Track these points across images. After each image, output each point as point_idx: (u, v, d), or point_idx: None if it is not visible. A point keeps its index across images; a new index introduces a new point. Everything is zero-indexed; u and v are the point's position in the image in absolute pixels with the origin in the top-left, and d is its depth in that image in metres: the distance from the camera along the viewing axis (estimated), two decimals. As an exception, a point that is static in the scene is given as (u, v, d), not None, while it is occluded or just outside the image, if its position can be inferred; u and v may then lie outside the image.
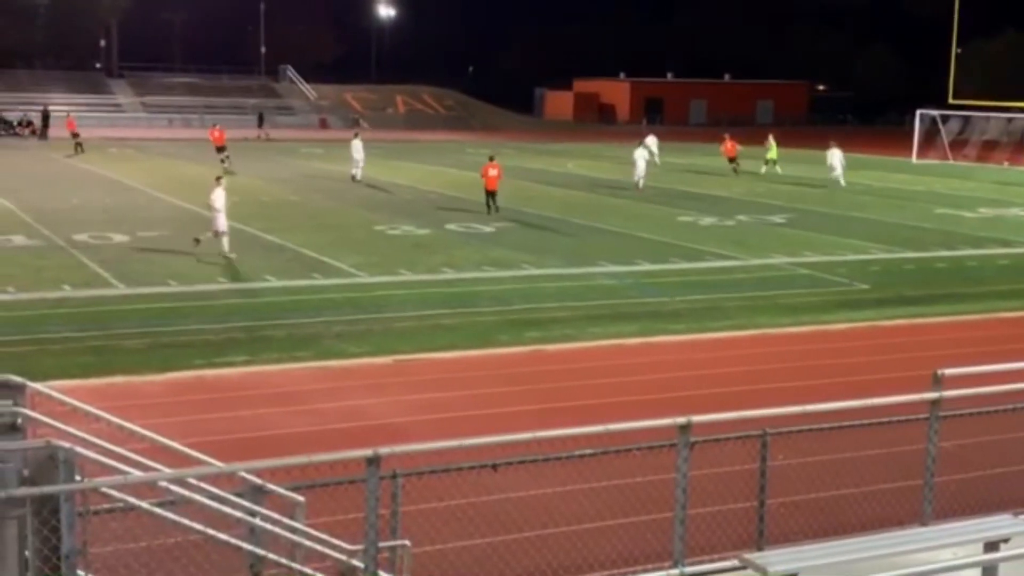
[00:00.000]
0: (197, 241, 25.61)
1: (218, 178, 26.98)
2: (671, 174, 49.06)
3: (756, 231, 31.67)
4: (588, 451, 8.36)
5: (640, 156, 43.11)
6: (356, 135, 45.74)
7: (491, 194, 34.62)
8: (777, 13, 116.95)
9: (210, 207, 25.72)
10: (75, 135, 55.45)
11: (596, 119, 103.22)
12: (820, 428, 9.16)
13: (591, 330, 19.26)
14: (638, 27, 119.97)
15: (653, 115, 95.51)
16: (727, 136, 51.35)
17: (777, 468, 8.98)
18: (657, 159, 50.37)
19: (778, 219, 34.73)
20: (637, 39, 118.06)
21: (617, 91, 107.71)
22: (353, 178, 43.13)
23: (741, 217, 34.92)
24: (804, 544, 8.37)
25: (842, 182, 44.88)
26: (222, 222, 25.47)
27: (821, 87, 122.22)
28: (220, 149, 48.31)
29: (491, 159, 35.62)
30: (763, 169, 50.26)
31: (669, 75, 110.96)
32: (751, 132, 67.82)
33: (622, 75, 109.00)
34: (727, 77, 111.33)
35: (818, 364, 17.22)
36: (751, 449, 8.70)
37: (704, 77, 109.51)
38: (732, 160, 50.10)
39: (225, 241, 25.48)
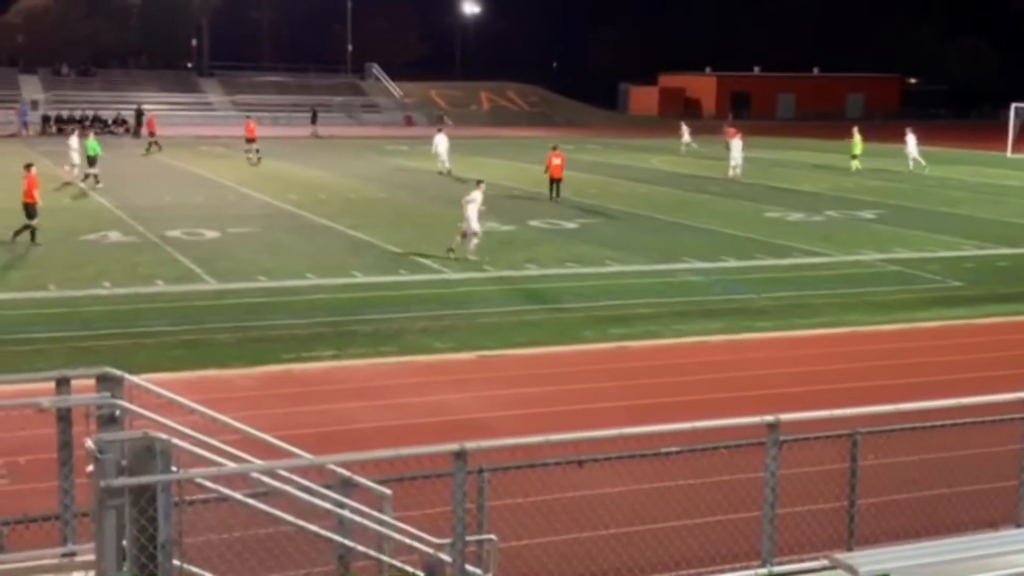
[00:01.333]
0: (451, 251, 25.00)
1: (478, 182, 26.51)
2: (758, 169, 48.49)
3: (845, 227, 31.17)
4: (675, 449, 8.31)
5: (736, 146, 44.97)
6: (439, 130, 47.35)
7: (555, 182, 36.80)
8: (867, 4, 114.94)
9: (463, 213, 25.14)
10: (152, 134, 57.05)
11: (681, 114, 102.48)
12: (912, 428, 9.00)
13: (676, 327, 19.14)
14: (724, 21, 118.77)
15: (740, 110, 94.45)
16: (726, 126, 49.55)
17: (867, 468, 8.83)
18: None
19: (868, 215, 34.15)
20: (723, 33, 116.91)
21: (703, 86, 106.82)
22: (440, 172, 43.98)
23: (830, 213, 34.41)
24: (895, 545, 8.23)
25: (922, 162, 47.93)
26: (474, 224, 24.96)
27: (913, 80, 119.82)
28: (250, 141, 50.21)
29: (554, 148, 37.78)
30: (852, 165, 49.45)
31: (756, 69, 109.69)
32: (842, 126, 66.67)
33: (708, 69, 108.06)
34: (816, 71, 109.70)
35: (910, 362, 16.90)
36: (841, 449, 8.58)
37: (792, 71, 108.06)
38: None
39: (474, 243, 25.04)
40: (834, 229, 30.88)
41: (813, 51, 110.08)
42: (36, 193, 26.81)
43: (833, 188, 41.97)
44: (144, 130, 61.15)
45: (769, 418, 7.77)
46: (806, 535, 8.91)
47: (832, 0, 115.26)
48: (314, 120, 72.99)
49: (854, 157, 49.54)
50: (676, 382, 15.71)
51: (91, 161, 38.34)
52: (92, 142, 39.47)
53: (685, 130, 60.59)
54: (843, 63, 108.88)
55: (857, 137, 49.70)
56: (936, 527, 9.41)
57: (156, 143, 55.72)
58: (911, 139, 48.95)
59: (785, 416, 7.81)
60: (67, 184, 38.19)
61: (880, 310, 20.80)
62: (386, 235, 28.57)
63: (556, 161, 36.72)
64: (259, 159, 49.24)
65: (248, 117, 55.72)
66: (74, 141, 39.93)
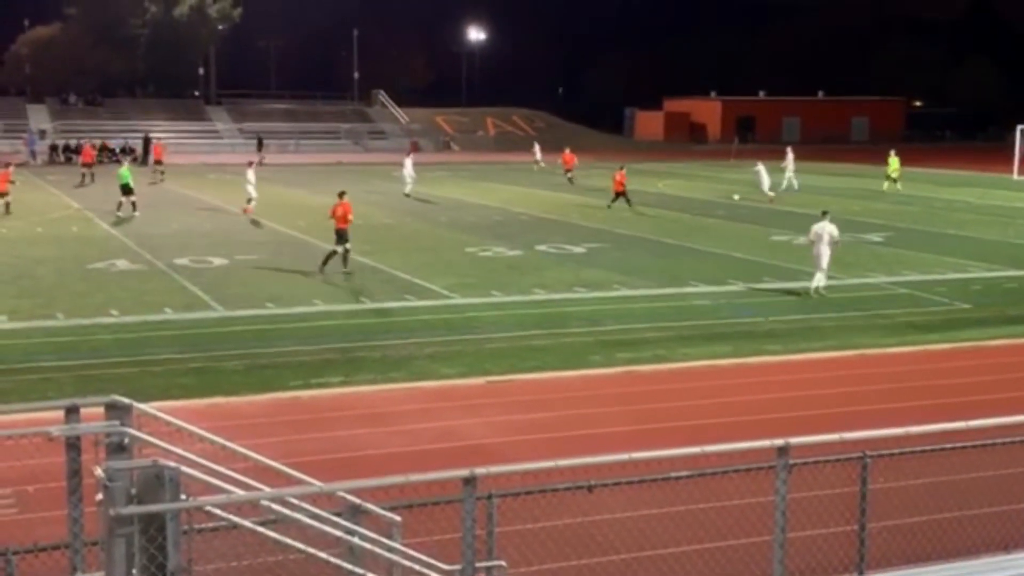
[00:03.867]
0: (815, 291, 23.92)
1: (824, 212, 24.75)
2: (763, 193, 48.47)
3: (852, 250, 31.16)
4: (684, 473, 8.29)
5: (762, 168, 46.61)
6: (408, 154, 50.13)
7: (621, 195, 41.34)
8: (870, 28, 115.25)
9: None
10: (159, 162, 57.97)
11: (687, 138, 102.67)
12: (922, 450, 8.97)
13: (684, 351, 19.12)
14: (729, 45, 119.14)
15: (745, 133, 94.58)
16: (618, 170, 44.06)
17: (878, 491, 8.80)
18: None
19: (875, 237, 34.14)
20: (728, 57, 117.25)
21: (708, 110, 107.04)
22: (405, 195, 45.81)
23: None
24: (906, 568, 8.20)
25: (795, 185, 49.78)
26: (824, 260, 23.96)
27: (917, 103, 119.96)
28: (86, 166, 53.50)
29: (621, 168, 42.71)
30: (885, 186, 49.73)
31: (761, 93, 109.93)
32: (847, 150, 66.74)
33: (713, 94, 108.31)
34: (820, 94, 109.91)
35: (919, 385, 16.86)
36: (851, 472, 8.55)
37: (797, 95, 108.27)
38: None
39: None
40: (842, 252, 30.81)
41: (818, 75, 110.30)
42: (351, 218, 27.09)
43: (840, 211, 41.85)
44: (151, 158, 61.69)
45: (779, 442, 7.74)
46: (817, 559, 8.87)
47: (836, 23, 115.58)
48: (260, 147, 73.70)
49: (889, 179, 49.88)
50: (684, 406, 15.68)
51: (125, 190, 38.70)
52: (125, 171, 39.94)
53: (537, 148, 67.14)
54: (848, 86, 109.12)
55: (894, 159, 50.09)
56: (948, 550, 9.36)
57: (162, 171, 56.07)
58: (790, 158, 51.27)
59: (795, 440, 7.78)
60: (254, 223, 37.21)
61: (889, 333, 20.77)
62: (393, 261, 28.61)
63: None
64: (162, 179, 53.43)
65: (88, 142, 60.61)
66: (251, 175, 40.14)
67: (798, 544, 8.67)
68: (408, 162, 47.89)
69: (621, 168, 42.58)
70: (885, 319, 22.00)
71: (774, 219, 39.24)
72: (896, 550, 9.39)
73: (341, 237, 26.78)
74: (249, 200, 38.52)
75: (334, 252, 26.77)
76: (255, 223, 36.92)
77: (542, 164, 64.43)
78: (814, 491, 8.83)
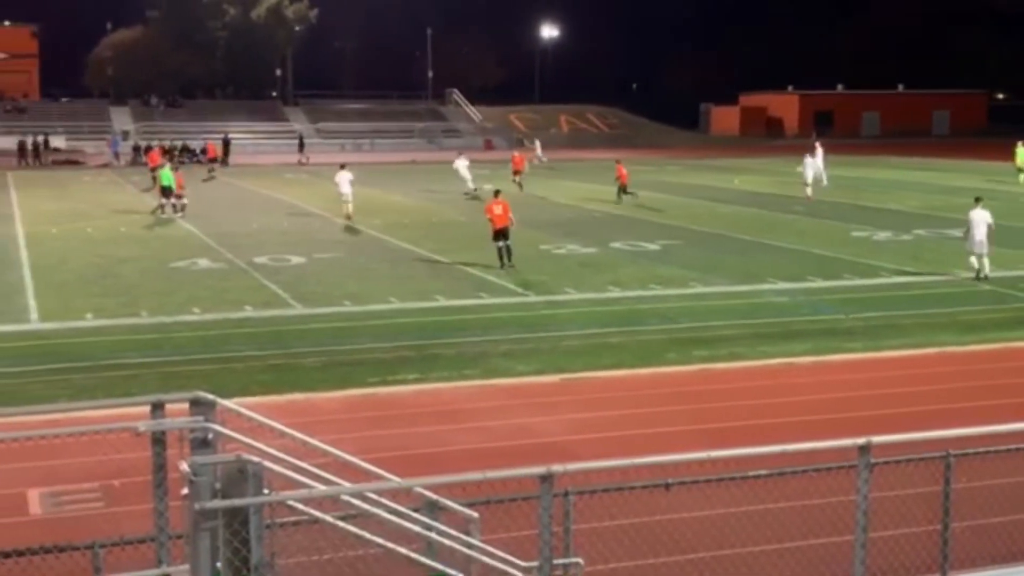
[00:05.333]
0: None
1: None
2: (844, 188, 47.88)
3: (934, 245, 30.61)
4: (763, 472, 8.22)
5: (809, 165, 45.34)
6: (459, 154, 50.18)
7: (622, 188, 42.47)
8: (952, 18, 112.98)
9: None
10: (212, 160, 59.32)
11: (763, 133, 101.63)
12: (1007, 449, 8.80)
13: (761, 348, 18.94)
14: (806, 39, 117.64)
15: (823, 128, 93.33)
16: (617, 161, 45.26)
17: (961, 490, 8.65)
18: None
19: (958, 233, 33.40)
20: (805, 51, 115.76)
21: (785, 104, 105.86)
22: (466, 193, 45.59)
23: (919, 231, 33.82)
24: (990, 569, 8.05)
25: (824, 180, 48.02)
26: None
27: (1001, 96, 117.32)
28: (153, 169, 48.98)
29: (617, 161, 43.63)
30: (1021, 178, 48.89)
31: (839, 86, 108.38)
32: (928, 144, 65.57)
33: (790, 88, 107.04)
34: (900, 87, 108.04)
35: (1003, 383, 16.51)
36: (933, 471, 8.41)
37: (876, 88, 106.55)
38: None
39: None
40: (923, 248, 30.33)
41: (898, 67, 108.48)
42: (512, 216, 27.35)
43: (921, 206, 41.25)
44: (218, 156, 63.55)
45: (861, 440, 7.64)
46: (899, 559, 8.74)
47: (916, 15, 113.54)
48: (301, 147, 74.00)
49: (1021, 171, 49.06)
50: (762, 404, 15.53)
51: (165, 191, 38.56)
52: (166, 172, 39.56)
53: (538, 144, 69.69)
54: (929, 79, 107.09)
55: (1022, 149, 49.26)
56: (1034, 552, 9.17)
57: (213, 168, 58.04)
58: (819, 153, 48.66)
59: (877, 438, 7.67)
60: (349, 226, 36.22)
61: (971, 330, 20.36)
62: (468, 258, 28.72)
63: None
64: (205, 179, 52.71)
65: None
66: (462, 163, 44.86)
67: (879, 544, 8.56)
68: (461, 162, 47.58)
69: (618, 162, 44.06)
70: (967, 316, 21.58)
71: (855, 215, 38.67)
72: (980, 550, 9.23)
73: (502, 234, 27.09)
74: (345, 202, 37.62)
75: (501, 248, 27.07)
76: (350, 226, 36.26)
77: (543, 160, 65.70)
78: (896, 491, 8.71)
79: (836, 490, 8.49)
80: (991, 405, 14.68)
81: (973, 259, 25.29)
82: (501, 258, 27.09)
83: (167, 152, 64.80)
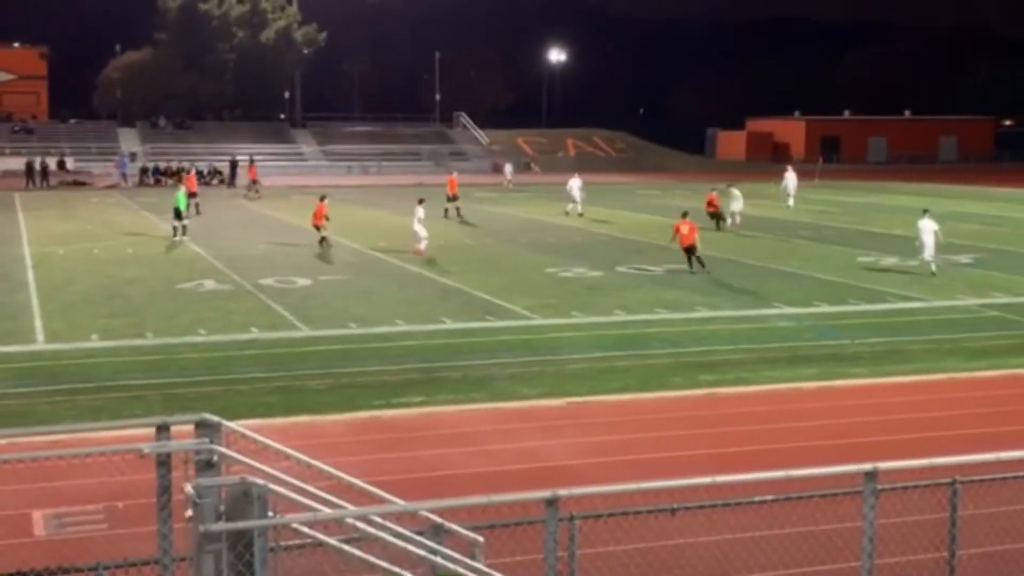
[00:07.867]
0: None
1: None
2: (850, 213, 47.87)
3: (941, 271, 30.56)
4: (769, 497, 8.19)
5: (790, 179, 50.28)
6: (574, 174, 50.78)
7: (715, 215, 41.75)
8: (958, 44, 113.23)
9: None
10: (254, 182, 61.54)
11: (769, 158, 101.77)
12: (1014, 476, 8.75)
13: (767, 373, 18.90)
14: (812, 65, 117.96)
15: (830, 153, 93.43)
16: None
17: (968, 518, 8.61)
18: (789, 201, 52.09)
19: (964, 259, 33.45)
20: (812, 77, 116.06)
21: (791, 130, 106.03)
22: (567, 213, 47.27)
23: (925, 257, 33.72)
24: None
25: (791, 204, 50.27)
26: None
27: (1008, 122, 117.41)
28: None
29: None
30: None
31: (846, 112, 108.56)
32: (935, 170, 65.64)
33: (797, 114, 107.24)
34: (907, 113, 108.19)
35: (1010, 410, 16.45)
36: (940, 498, 8.37)
37: (883, 114, 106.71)
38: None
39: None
40: (929, 274, 30.29)
41: (904, 94, 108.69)
42: (695, 236, 30.22)
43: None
44: (238, 180, 64.30)
45: (867, 466, 7.62)
46: (906, 587, 8.69)
47: (923, 41, 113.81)
48: (232, 171, 73.03)
49: None
50: (767, 430, 15.48)
51: (177, 214, 38.27)
52: (180, 194, 39.48)
53: (508, 169, 71.24)
54: (936, 105, 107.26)
55: None
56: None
57: (257, 190, 59.97)
58: (788, 175, 51.84)
59: (883, 464, 7.64)
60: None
61: (978, 356, 20.31)
62: (474, 281, 28.74)
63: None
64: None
65: (188, 171, 59.16)
66: (575, 183, 46.29)
67: (886, 571, 8.52)
68: (575, 182, 48.15)
69: (713, 190, 44.21)
70: (974, 342, 21.53)
71: (861, 240, 38.66)
72: (988, 579, 9.17)
73: (689, 251, 29.92)
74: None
75: (691, 259, 29.96)
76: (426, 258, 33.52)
77: (511, 184, 67.72)
78: (903, 517, 8.67)
79: (842, 516, 8.45)
80: (998, 432, 14.62)
81: (924, 260, 29.32)
82: (691, 265, 29.94)
83: (178, 173, 65.12)
